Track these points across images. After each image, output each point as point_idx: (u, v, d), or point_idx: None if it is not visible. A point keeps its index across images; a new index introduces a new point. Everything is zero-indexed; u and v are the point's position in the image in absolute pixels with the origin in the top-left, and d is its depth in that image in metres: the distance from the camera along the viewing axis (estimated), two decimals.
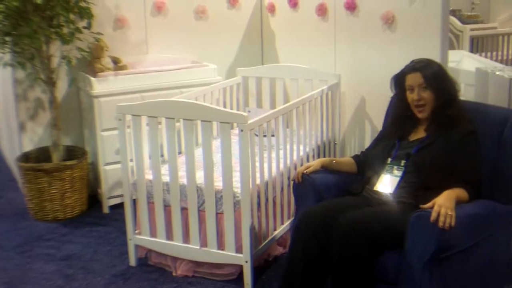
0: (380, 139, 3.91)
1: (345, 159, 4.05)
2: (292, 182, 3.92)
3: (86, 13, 5.07)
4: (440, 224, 3.08)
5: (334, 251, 3.29)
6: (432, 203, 3.17)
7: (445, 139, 3.54)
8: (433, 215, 3.09)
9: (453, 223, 3.10)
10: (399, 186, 3.56)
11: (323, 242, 3.37)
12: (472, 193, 3.40)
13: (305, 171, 3.80)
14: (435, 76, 3.60)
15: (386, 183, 3.61)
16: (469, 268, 3.41)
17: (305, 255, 3.41)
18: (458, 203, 3.24)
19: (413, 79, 3.61)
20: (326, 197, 3.75)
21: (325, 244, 3.37)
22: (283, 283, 3.54)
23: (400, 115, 3.79)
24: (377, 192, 3.62)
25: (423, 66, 3.62)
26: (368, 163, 3.86)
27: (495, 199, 3.51)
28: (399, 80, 3.73)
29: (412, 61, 3.72)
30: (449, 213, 3.11)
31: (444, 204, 3.14)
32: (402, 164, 3.61)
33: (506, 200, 3.53)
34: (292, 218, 4.43)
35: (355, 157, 4.01)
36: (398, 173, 3.60)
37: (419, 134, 3.70)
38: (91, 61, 5.30)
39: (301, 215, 3.55)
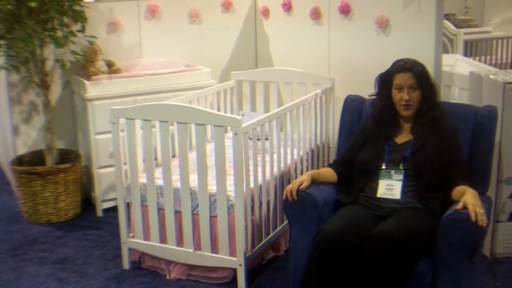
0: (361, 143, 3.83)
1: (326, 169, 3.92)
2: (285, 201, 3.69)
3: (80, 17, 5.07)
4: (480, 223, 3.11)
5: (368, 268, 3.23)
6: (463, 203, 3.19)
7: (434, 139, 3.59)
8: (472, 215, 3.12)
9: (486, 221, 3.15)
10: (404, 191, 3.55)
11: (349, 262, 3.31)
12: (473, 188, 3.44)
13: (300, 188, 3.62)
14: (425, 77, 3.66)
15: (389, 188, 3.59)
16: (478, 261, 3.51)
17: (333, 278, 3.33)
18: None
19: (404, 79, 3.62)
20: (325, 213, 3.64)
21: (349, 265, 3.31)
22: None
23: (383, 114, 3.77)
24: (381, 200, 3.59)
25: (413, 66, 3.64)
26: (355, 170, 3.78)
27: None
28: (385, 79, 3.74)
29: (400, 60, 3.72)
30: (482, 211, 3.15)
31: (476, 203, 3.18)
32: (401, 167, 3.61)
33: (481, 192, 3.57)
34: (285, 222, 4.43)
35: (333, 166, 3.92)
36: (397, 177, 3.59)
37: (406, 136, 3.71)
38: (85, 65, 5.30)
39: (324, 237, 3.36)
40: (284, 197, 3.67)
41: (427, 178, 3.52)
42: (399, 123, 3.75)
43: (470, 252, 3.21)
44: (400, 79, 3.63)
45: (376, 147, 3.74)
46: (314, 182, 3.73)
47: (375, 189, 3.64)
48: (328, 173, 3.88)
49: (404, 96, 3.61)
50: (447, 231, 3.20)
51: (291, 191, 3.62)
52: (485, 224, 3.14)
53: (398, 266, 3.19)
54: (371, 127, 3.82)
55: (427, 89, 3.64)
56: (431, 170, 3.52)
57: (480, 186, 3.62)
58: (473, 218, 3.11)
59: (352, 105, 4.21)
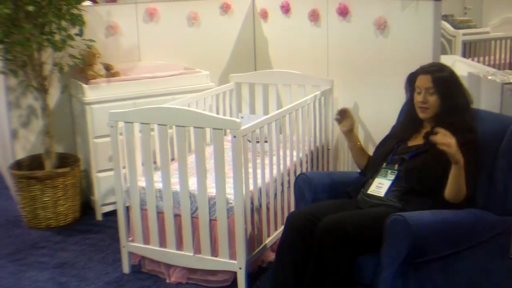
0: (383, 143, 3.91)
1: (365, 152, 4.06)
2: (298, 180, 3.92)
3: (78, 20, 5.05)
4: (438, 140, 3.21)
5: (313, 253, 3.34)
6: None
7: None
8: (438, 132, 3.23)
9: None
10: (390, 190, 3.58)
11: (309, 243, 3.40)
12: (464, 203, 3.40)
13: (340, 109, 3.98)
14: (445, 82, 3.58)
15: (379, 186, 3.63)
16: (457, 278, 3.42)
17: (293, 255, 3.46)
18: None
19: (423, 81, 3.60)
20: (322, 198, 3.78)
21: (311, 245, 3.39)
22: (275, 282, 3.59)
23: (408, 116, 3.80)
24: (369, 195, 3.64)
25: (435, 70, 3.61)
26: (368, 166, 3.89)
27: (490, 210, 3.49)
28: (410, 80, 3.73)
29: (428, 64, 3.72)
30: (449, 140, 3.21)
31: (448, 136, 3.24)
32: (396, 168, 3.63)
33: (501, 211, 3.51)
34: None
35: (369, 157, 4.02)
36: (391, 177, 3.62)
37: (418, 140, 3.70)
38: (83, 68, 5.29)
39: (289, 216, 3.60)
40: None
41: (413, 183, 3.51)
42: (420, 125, 3.74)
43: (403, 257, 3.15)
44: (419, 80, 3.62)
45: (388, 146, 3.79)
46: (350, 132, 4.03)
47: (369, 185, 3.69)
48: (362, 154, 4.04)
49: (420, 98, 3.61)
50: (387, 230, 3.18)
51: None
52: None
53: (334, 253, 3.25)
54: (395, 128, 3.90)
55: (446, 95, 3.56)
56: (419, 176, 3.50)
57: (503, 206, 3.52)
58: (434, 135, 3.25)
59: None
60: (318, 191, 3.83)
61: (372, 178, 3.71)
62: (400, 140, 3.77)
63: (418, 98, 3.63)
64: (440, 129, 3.24)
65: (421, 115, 3.65)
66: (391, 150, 3.75)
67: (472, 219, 3.42)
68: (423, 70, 3.65)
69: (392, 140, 3.81)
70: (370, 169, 3.80)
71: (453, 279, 3.39)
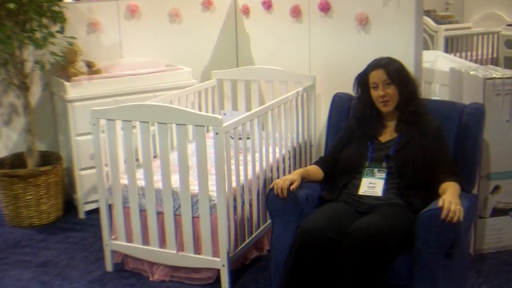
0: (345, 142, 3.85)
1: (313, 167, 3.89)
2: (270, 197, 3.66)
3: (59, 17, 5.03)
4: (448, 219, 3.11)
5: (347, 264, 3.21)
6: (442, 201, 3.19)
7: (418, 137, 3.61)
8: (444, 213, 3.12)
9: (461, 218, 3.15)
10: (386, 188, 3.57)
11: (328, 258, 3.30)
12: (460, 184, 3.47)
13: (291, 188, 3.58)
14: (398, 72, 3.67)
15: (371, 186, 3.60)
16: (461, 259, 3.54)
17: (311, 275, 3.32)
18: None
19: (377, 75, 3.67)
20: (306, 209, 3.63)
21: (327, 261, 3.30)
22: None
23: (365, 114, 3.80)
24: (363, 197, 3.59)
25: (385, 63, 3.69)
26: (339, 168, 3.80)
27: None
28: (362, 79, 3.78)
29: (374, 60, 3.77)
30: (458, 207, 3.15)
31: (453, 200, 3.18)
32: (384, 165, 3.63)
33: (467, 190, 3.63)
34: (268, 222, 4.43)
35: (319, 164, 3.91)
36: (380, 175, 3.61)
37: (390, 135, 3.73)
38: (65, 66, 5.26)
39: (302, 234, 3.35)
40: (275, 192, 3.62)
41: (409, 177, 3.54)
42: (383, 122, 3.77)
43: (447, 249, 3.20)
44: (374, 77, 3.68)
45: (360, 145, 3.76)
46: (303, 181, 3.73)
47: (357, 187, 3.65)
48: (316, 171, 3.87)
49: (379, 92, 3.66)
50: (424, 227, 3.20)
51: (281, 189, 3.59)
52: (455, 221, 3.12)
53: (376, 262, 3.19)
54: (355, 128, 3.83)
55: (401, 84, 3.66)
56: (413, 169, 3.53)
57: (466, 184, 3.64)
58: (443, 216, 3.12)
59: (340, 102, 4.21)
60: (303, 202, 3.62)
61: (355, 179, 3.68)
62: (370, 137, 3.77)
63: (376, 93, 3.68)
64: (443, 203, 3.20)
65: (384, 108, 3.70)
66: (365, 149, 3.74)
67: (470, 202, 3.51)
68: (375, 65, 3.72)
69: (361, 139, 3.78)
70: (346, 172, 3.74)
71: (460, 260, 3.52)
